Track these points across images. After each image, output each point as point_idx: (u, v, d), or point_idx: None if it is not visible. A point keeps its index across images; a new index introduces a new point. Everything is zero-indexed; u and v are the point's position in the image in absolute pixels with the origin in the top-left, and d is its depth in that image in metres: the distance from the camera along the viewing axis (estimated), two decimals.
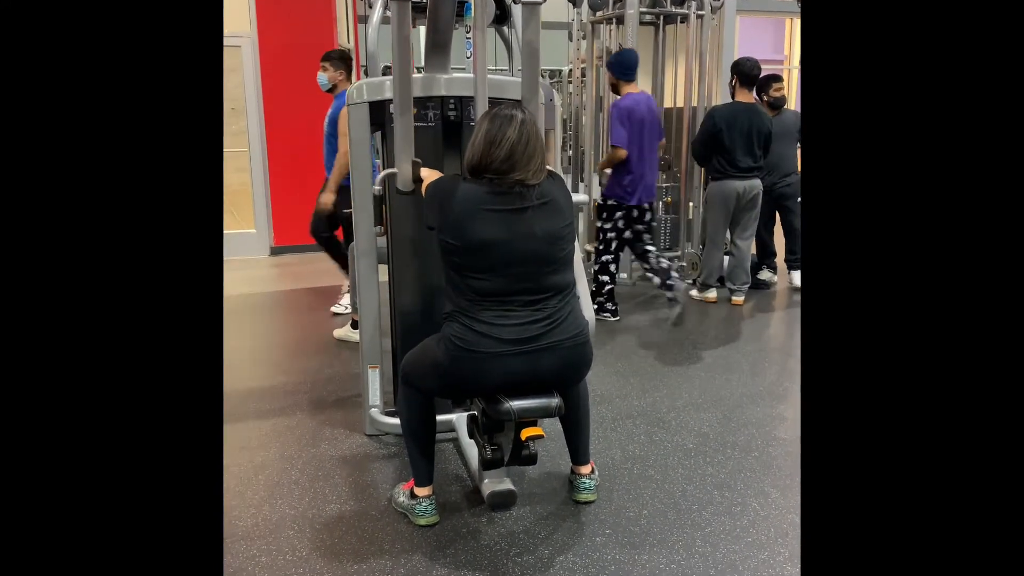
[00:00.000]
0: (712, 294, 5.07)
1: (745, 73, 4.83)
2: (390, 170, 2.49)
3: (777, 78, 5.29)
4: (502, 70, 4.57)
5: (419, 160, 2.41)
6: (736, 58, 5.03)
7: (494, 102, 2.16)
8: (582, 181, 6.26)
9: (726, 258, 5.17)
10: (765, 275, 5.46)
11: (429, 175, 2.33)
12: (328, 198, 4.09)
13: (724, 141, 4.76)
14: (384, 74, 3.56)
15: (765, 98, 5.18)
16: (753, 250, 5.55)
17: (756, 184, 4.87)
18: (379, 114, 2.70)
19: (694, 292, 5.17)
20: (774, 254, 5.50)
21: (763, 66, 4.98)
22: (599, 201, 4.67)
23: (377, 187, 2.56)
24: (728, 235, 5.09)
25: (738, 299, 4.99)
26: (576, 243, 2.19)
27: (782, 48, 12.79)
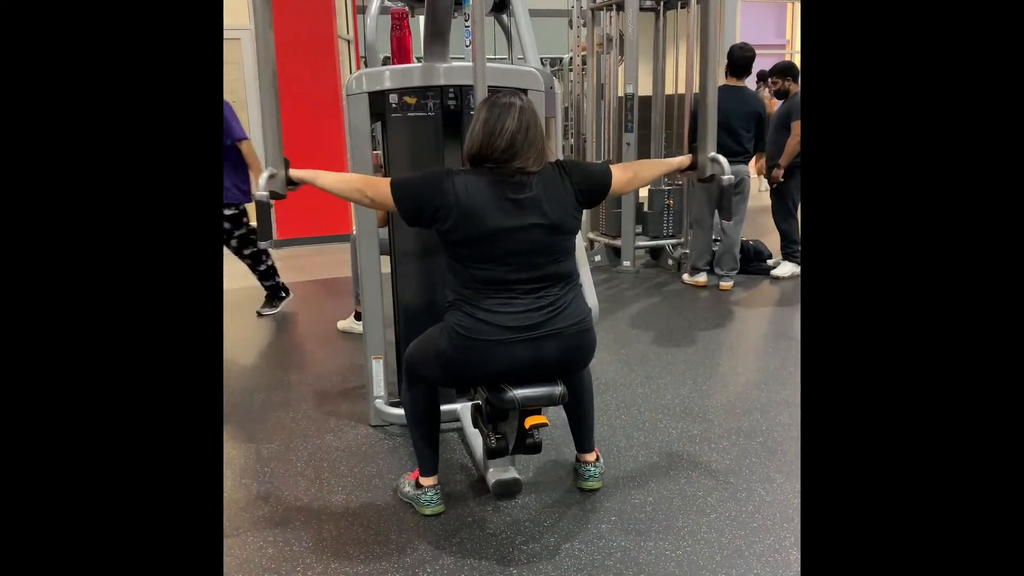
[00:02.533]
0: (702, 277, 5.09)
1: (734, 60, 4.88)
2: (270, 170, 2.14)
3: (771, 72, 5.31)
4: (501, 58, 4.55)
5: (287, 159, 2.19)
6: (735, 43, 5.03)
7: (493, 90, 2.15)
8: None
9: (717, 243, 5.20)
10: (772, 261, 5.45)
11: (315, 176, 2.10)
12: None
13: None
14: (384, 64, 3.55)
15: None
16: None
17: (740, 169, 4.86)
18: (378, 104, 2.69)
19: (685, 276, 5.21)
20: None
21: (765, 52, 5.01)
22: None
23: (261, 192, 2.09)
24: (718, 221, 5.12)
25: (726, 284, 5.01)
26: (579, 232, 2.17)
27: (784, 33, 12.72)
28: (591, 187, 2.10)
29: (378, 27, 3.70)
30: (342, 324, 4.27)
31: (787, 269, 5.25)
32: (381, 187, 2.04)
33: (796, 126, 4.95)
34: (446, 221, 1.97)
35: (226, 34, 6.26)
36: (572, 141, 7.36)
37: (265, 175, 2.13)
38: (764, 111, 4.93)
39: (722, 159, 2.33)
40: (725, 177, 2.32)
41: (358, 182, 2.10)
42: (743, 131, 4.83)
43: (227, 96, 6.54)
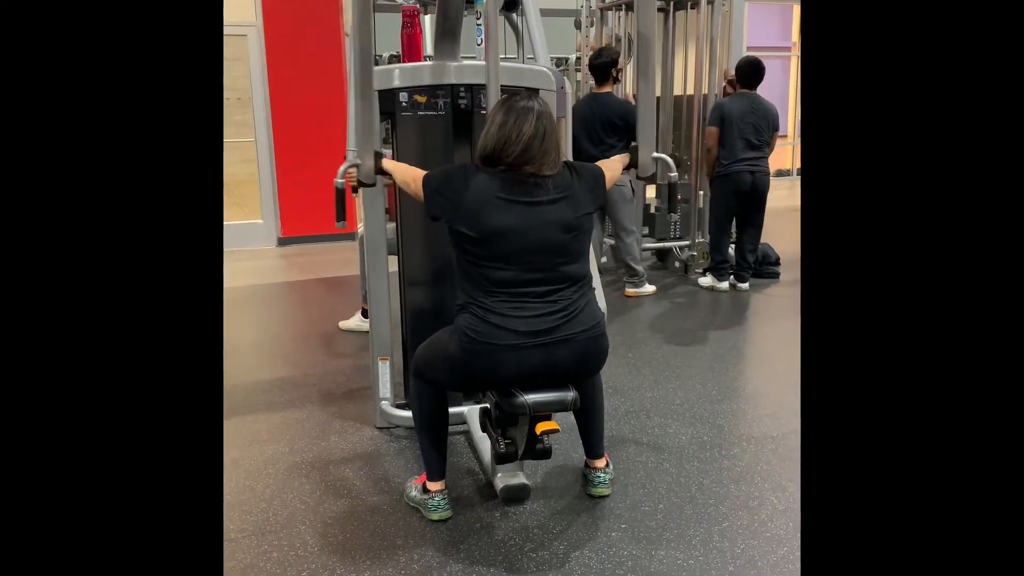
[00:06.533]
0: (648, 288, 4.92)
1: (590, 67, 4.82)
2: (353, 161, 2.34)
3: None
4: (511, 58, 4.52)
5: (382, 151, 2.35)
6: (744, 46, 4.96)
7: (507, 90, 2.12)
8: None
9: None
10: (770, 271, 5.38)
11: (394, 167, 2.28)
12: None
13: (577, 135, 4.69)
14: (390, 62, 3.52)
15: None
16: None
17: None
18: (388, 103, 2.66)
19: (630, 289, 4.95)
20: (778, 260, 5.38)
21: (771, 54, 4.92)
22: None
23: (339, 179, 2.34)
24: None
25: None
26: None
27: (789, 35, 12.72)
28: (596, 187, 2.11)
29: (375, 24, 3.66)
30: (344, 324, 4.24)
31: (707, 281, 5.05)
32: (420, 181, 2.10)
33: (709, 131, 4.88)
34: (458, 218, 1.95)
35: (233, 30, 6.22)
36: None
37: (345, 165, 2.33)
38: (620, 111, 4.67)
39: (666, 157, 2.48)
40: (670, 174, 2.51)
41: (413, 174, 2.18)
42: (603, 135, 4.68)
43: (233, 93, 6.52)
